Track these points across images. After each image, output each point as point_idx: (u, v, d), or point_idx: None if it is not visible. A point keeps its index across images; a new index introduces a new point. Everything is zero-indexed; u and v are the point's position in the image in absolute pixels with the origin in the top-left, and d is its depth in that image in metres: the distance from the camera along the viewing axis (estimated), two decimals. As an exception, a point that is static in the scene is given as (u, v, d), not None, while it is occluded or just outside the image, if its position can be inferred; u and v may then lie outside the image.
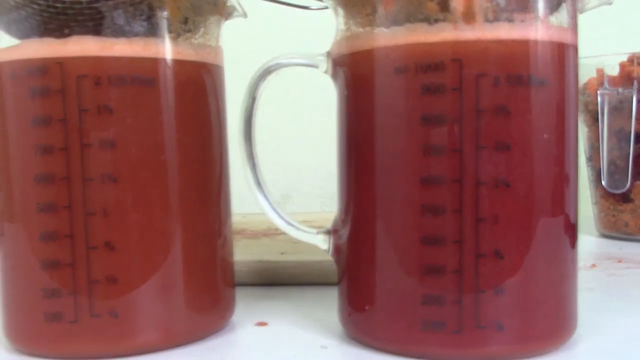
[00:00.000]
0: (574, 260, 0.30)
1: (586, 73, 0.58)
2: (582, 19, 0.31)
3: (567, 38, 0.29)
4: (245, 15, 0.33)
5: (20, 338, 0.30)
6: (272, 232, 0.54)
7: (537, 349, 0.28)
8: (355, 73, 0.29)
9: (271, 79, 0.32)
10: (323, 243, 0.32)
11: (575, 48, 0.30)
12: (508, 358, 0.28)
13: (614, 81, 0.56)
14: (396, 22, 0.28)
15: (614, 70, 0.56)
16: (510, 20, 0.27)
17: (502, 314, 0.27)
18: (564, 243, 0.29)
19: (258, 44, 0.64)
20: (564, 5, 0.29)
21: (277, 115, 0.77)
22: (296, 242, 0.43)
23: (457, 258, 0.27)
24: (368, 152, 0.29)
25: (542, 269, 0.28)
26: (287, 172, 0.80)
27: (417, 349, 0.28)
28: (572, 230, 0.29)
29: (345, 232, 0.31)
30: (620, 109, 0.56)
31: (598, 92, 0.56)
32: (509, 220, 0.27)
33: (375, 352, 0.29)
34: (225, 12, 0.32)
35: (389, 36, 0.28)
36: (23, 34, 0.29)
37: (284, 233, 0.33)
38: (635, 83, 0.55)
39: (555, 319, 0.29)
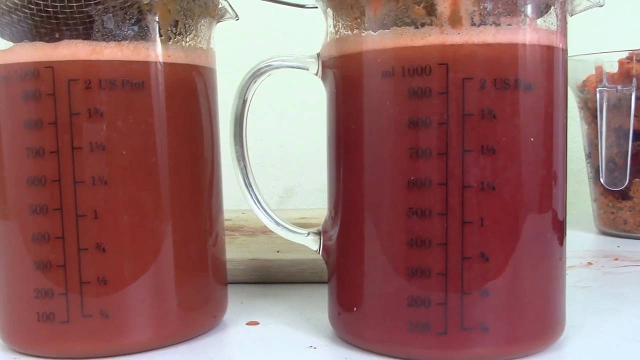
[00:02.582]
0: (561, 258, 0.30)
1: (585, 70, 0.58)
2: (580, 17, 0.31)
3: (555, 41, 0.29)
4: (237, 17, 0.33)
5: (13, 337, 0.30)
6: (270, 230, 0.54)
7: (523, 351, 0.29)
8: (344, 76, 0.30)
9: (262, 80, 0.32)
10: (313, 244, 0.33)
11: (565, 50, 0.30)
12: (493, 359, 0.28)
13: (613, 78, 0.56)
14: (384, 25, 0.28)
15: (612, 68, 0.56)
16: (496, 24, 0.27)
17: (487, 316, 0.27)
18: (551, 243, 0.29)
19: (252, 45, 0.64)
20: (552, 9, 0.29)
21: (281, 111, 0.77)
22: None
23: (442, 260, 0.27)
24: (356, 155, 0.29)
25: (529, 271, 0.28)
26: (290, 168, 0.81)
27: (403, 350, 0.28)
28: (559, 230, 0.29)
29: (334, 233, 0.31)
30: (619, 106, 0.56)
31: (597, 89, 0.56)
32: (495, 223, 0.27)
33: (363, 353, 0.29)
34: (216, 15, 0.32)
35: (376, 39, 0.28)
36: (15, 38, 0.29)
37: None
38: (634, 80, 0.55)
39: (542, 320, 0.29)
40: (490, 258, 0.27)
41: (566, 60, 0.30)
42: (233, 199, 0.41)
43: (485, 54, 0.27)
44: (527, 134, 0.28)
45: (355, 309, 0.29)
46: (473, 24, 0.27)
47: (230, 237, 0.50)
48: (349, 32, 0.29)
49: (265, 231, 0.54)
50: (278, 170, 0.79)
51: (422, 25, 0.27)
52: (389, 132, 0.28)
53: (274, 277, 0.43)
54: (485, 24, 0.27)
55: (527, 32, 0.27)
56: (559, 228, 0.29)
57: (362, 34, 0.28)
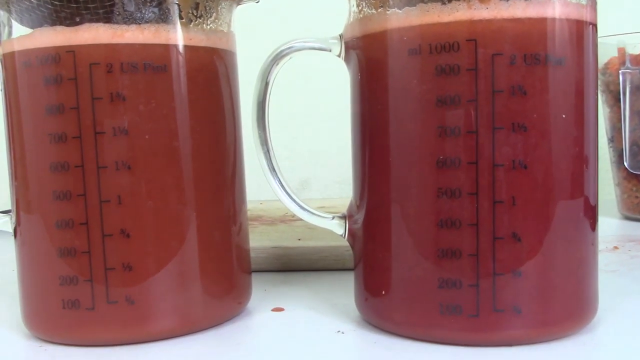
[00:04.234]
0: (594, 243, 0.29)
1: (608, 52, 0.57)
2: (602, -2, 0.30)
3: (585, 15, 0.28)
4: (256, -1, 0.33)
5: (38, 325, 0.30)
6: (289, 219, 0.54)
7: (556, 333, 0.28)
8: (368, 56, 0.29)
9: (284, 63, 0.31)
10: (338, 228, 0.32)
11: (595, 26, 0.29)
12: (526, 341, 0.27)
13: (636, 60, 0.55)
14: (409, 2, 0.27)
15: (635, 49, 0.55)
16: (526, -2, 0.26)
17: (519, 298, 0.27)
18: (583, 225, 0.28)
19: (271, 28, 0.63)
20: (582, -18, 0.28)
21: (296, 101, 0.76)
22: (313, 228, 0.43)
23: (473, 241, 0.27)
24: (382, 136, 0.28)
25: (561, 252, 0.27)
26: (305, 158, 0.80)
27: (435, 333, 0.28)
28: (591, 212, 0.29)
29: (360, 217, 0.30)
30: (642, 88, 0.55)
31: (619, 71, 0.55)
32: (527, 203, 0.27)
33: (392, 337, 0.29)
34: (236, -3, 0.32)
35: (402, 17, 0.27)
36: (35, 23, 0.29)
37: (301, 219, 0.33)
38: (658, 61, 0.54)
39: (575, 302, 0.28)
40: (522, 238, 0.27)
41: (596, 36, 0.29)
42: (250, 190, 0.40)
43: (514, 29, 0.26)
44: (558, 110, 0.27)
45: (383, 292, 0.29)
46: (502, -2, 0.26)
47: (250, 227, 0.50)
48: (373, 11, 0.28)
49: (285, 220, 0.54)
50: (292, 161, 0.79)
51: (450, 0, 0.26)
52: (416, 111, 0.27)
53: (296, 265, 0.42)
54: (515, -2, 0.26)
55: (557, 6, 0.27)
56: (591, 209, 0.29)
57: (387, 11, 0.28)
